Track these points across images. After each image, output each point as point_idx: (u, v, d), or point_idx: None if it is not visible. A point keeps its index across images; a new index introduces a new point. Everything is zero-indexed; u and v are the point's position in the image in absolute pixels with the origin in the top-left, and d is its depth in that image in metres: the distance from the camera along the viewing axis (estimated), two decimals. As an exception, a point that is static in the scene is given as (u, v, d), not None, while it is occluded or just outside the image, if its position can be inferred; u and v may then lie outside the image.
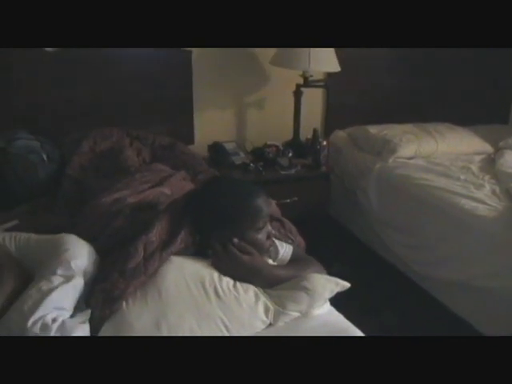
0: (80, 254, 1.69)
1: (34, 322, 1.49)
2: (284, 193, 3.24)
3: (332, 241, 2.55)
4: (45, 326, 1.49)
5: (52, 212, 2.36)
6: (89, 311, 1.62)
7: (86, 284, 1.69)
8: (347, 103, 3.92)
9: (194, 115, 3.56)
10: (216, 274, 1.75)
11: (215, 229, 1.82)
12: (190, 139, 3.50)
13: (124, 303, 1.63)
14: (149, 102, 3.37)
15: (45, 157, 2.66)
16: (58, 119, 3.16)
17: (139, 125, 3.14)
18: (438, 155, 3.50)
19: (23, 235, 1.92)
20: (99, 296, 1.63)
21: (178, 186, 2.23)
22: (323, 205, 3.48)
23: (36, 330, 1.48)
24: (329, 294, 1.84)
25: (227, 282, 1.74)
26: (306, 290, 1.77)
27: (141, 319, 1.59)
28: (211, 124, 3.65)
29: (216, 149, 3.45)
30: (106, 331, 1.59)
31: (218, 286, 1.72)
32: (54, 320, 1.51)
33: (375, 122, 3.77)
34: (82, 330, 1.56)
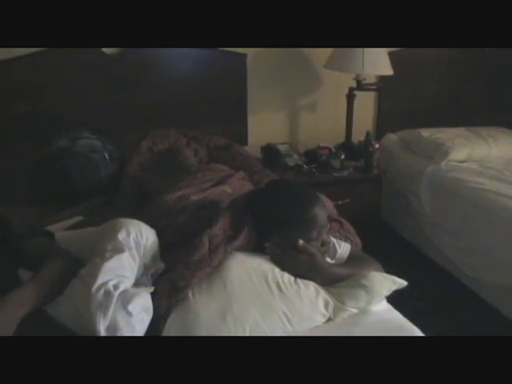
0: (133, 230, 1.75)
1: (97, 289, 1.56)
2: (336, 195, 3.25)
3: (383, 243, 2.56)
4: (107, 293, 1.56)
5: (113, 209, 2.45)
6: (152, 287, 1.69)
7: (145, 266, 1.75)
8: (399, 106, 3.94)
9: (248, 117, 3.62)
10: (277, 270, 1.81)
11: (272, 231, 1.88)
12: (243, 140, 3.56)
13: (190, 294, 1.69)
14: (204, 103, 3.45)
15: (107, 156, 2.74)
16: (116, 120, 3.27)
17: (194, 126, 3.21)
18: (491, 159, 3.49)
19: (82, 231, 2.02)
20: (165, 286, 1.70)
21: (238, 185, 2.29)
22: (375, 207, 3.49)
23: (100, 297, 1.55)
24: (387, 292, 1.88)
25: (288, 277, 1.81)
26: (364, 287, 1.82)
27: (207, 309, 1.65)
28: (264, 126, 3.71)
29: (269, 150, 3.50)
30: (173, 321, 1.65)
31: (280, 281, 1.78)
32: (115, 287, 1.58)
33: (427, 125, 3.76)
34: (143, 298, 1.63)
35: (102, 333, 1.53)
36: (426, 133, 3.65)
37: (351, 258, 2.03)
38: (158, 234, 1.85)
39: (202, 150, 2.89)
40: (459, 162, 3.44)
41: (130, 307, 1.57)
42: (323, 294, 1.80)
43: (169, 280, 1.72)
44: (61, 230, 2.11)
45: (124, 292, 1.60)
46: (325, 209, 1.94)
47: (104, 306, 1.54)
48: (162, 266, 1.78)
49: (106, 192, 2.63)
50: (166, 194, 2.15)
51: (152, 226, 1.88)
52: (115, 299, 1.56)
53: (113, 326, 1.54)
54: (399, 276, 1.95)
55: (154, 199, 2.22)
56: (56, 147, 2.67)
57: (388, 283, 1.88)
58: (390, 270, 2.02)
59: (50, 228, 2.13)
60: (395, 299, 1.95)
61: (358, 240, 2.18)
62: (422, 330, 1.83)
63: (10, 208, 2.37)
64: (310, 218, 1.86)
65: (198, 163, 2.73)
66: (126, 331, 1.55)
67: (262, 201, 1.93)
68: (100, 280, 1.59)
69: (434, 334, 1.76)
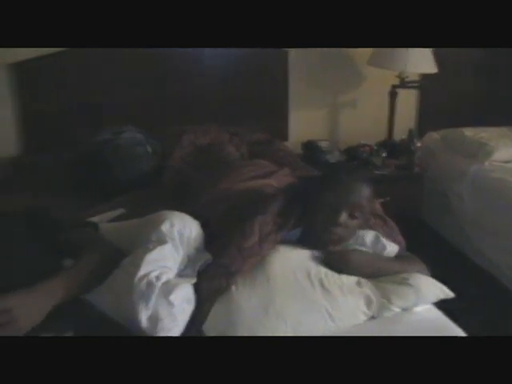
0: (177, 222, 1.77)
1: (140, 279, 1.59)
2: (376, 193, 3.24)
3: (422, 243, 2.53)
4: (150, 283, 1.58)
5: (155, 202, 2.47)
6: (194, 278, 1.71)
7: (189, 258, 1.77)
8: (441, 105, 3.89)
9: (289, 113, 3.62)
10: (321, 266, 1.81)
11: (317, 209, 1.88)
12: (283, 136, 3.56)
13: (233, 286, 1.70)
14: (245, 99, 3.46)
15: (149, 149, 2.77)
16: (156, 116, 3.30)
17: (235, 122, 3.21)
18: (536, 160, 3.42)
19: (125, 222, 2.04)
20: (218, 269, 1.72)
21: (283, 181, 2.29)
22: (415, 206, 3.46)
23: (142, 288, 1.57)
24: (433, 298, 1.87)
25: (332, 273, 1.80)
26: (412, 287, 1.81)
27: (250, 302, 1.66)
28: (305, 122, 3.70)
29: (310, 147, 3.49)
30: (216, 311, 1.67)
31: (323, 277, 1.78)
32: (157, 278, 1.60)
33: (469, 124, 3.70)
34: (185, 289, 1.64)
35: (144, 322, 1.55)
36: (469, 132, 3.59)
37: (398, 256, 2.03)
38: (203, 226, 1.87)
39: (244, 146, 2.89)
40: (504, 162, 3.37)
41: (172, 298, 1.59)
42: (367, 292, 1.79)
43: (221, 264, 1.73)
44: (103, 222, 2.15)
45: (166, 283, 1.62)
46: (367, 191, 1.95)
47: (146, 297, 1.56)
48: (209, 257, 1.79)
49: (149, 185, 2.65)
50: (210, 187, 2.17)
51: (196, 217, 1.89)
52: (157, 290, 1.58)
53: (154, 316, 1.56)
54: (437, 276, 1.95)
55: (197, 192, 2.22)
56: (100, 140, 2.71)
57: (436, 290, 1.88)
58: (429, 270, 2.01)
59: (94, 219, 2.16)
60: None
61: (401, 239, 2.16)
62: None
63: (54, 199, 2.41)
64: (351, 187, 1.89)
65: (240, 159, 2.73)
66: (167, 321, 1.57)
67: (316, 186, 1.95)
68: (143, 271, 1.61)
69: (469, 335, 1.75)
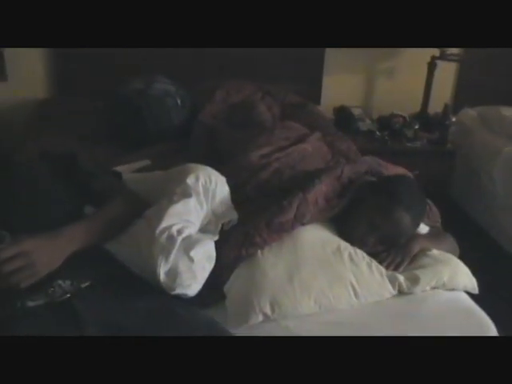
0: (202, 176, 1.73)
1: (161, 232, 1.56)
2: (406, 165, 3.17)
3: (448, 221, 2.47)
4: (171, 237, 1.55)
5: (182, 156, 2.43)
6: (217, 235, 1.68)
7: (214, 213, 1.73)
8: (480, 81, 3.76)
9: (323, 76, 3.54)
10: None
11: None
12: (316, 100, 3.49)
13: (259, 252, 1.67)
14: (280, 58, 3.36)
15: (179, 102, 2.72)
16: (189, 68, 3.22)
17: (268, 80, 3.13)
18: None
19: (151, 174, 2.01)
20: (240, 237, 1.68)
21: (316, 145, 2.24)
22: (445, 183, 3.39)
23: (163, 241, 1.54)
24: (460, 287, 1.82)
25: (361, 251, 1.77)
26: (442, 271, 1.77)
27: (275, 269, 1.62)
28: (339, 87, 3.61)
29: (342, 112, 3.43)
30: (239, 275, 1.64)
31: (352, 251, 1.73)
32: (179, 232, 1.57)
33: (508, 103, 3.58)
34: (207, 245, 1.61)
35: (162, 276, 1.52)
36: (506, 111, 3.48)
37: (432, 232, 2.01)
38: (238, 187, 1.84)
39: (276, 106, 2.83)
40: (540, 144, 3.28)
41: (192, 253, 1.56)
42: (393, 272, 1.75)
43: (245, 232, 1.70)
44: (128, 172, 2.12)
45: (187, 238, 1.59)
46: (412, 229, 1.89)
47: (166, 250, 1.53)
48: (235, 217, 1.75)
49: (177, 138, 2.62)
50: (247, 151, 2.12)
51: (233, 179, 1.86)
52: (178, 244, 1.55)
53: (173, 270, 1.53)
54: (462, 256, 1.93)
55: (229, 153, 2.19)
56: (131, 89, 2.66)
57: (465, 280, 1.83)
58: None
59: (119, 169, 2.13)
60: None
61: (439, 223, 2.12)
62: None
63: (79, 145, 2.38)
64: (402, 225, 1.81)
65: (272, 119, 2.67)
66: (186, 277, 1.54)
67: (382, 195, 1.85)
68: (164, 223, 1.58)
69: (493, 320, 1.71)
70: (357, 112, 3.43)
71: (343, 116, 3.40)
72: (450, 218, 3.18)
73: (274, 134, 2.29)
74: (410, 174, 2.18)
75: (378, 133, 3.29)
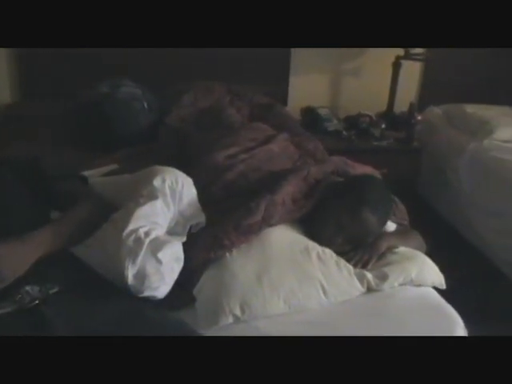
0: (169, 177, 1.72)
1: (128, 235, 1.55)
2: (374, 164, 3.19)
3: (417, 219, 2.50)
4: (138, 239, 1.54)
5: (150, 159, 2.41)
6: (184, 237, 1.68)
7: (182, 215, 1.73)
8: (445, 79, 3.80)
9: (290, 77, 3.55)
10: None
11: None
12: (283, 101, 3.49)
13: (227, 253, 1.67)
14: (246, 59, 3.36)
15: (146, 105, 2.72)
16: (155, 69, 3.20)
17: (234, 81, 3.14)
18: (537, 141, 3.36)
19: (117, 177, 2.00)
20: (208, 239, 1.68)
21: (283, 145, 2.24)
22: (412, 180, 3.43)
23: (130, 243, 1.53)
24: (428, 283, 1.84)
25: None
26: (410, 268, 1.79)
27: (244, 270, 1.62)
28: (306, 87, 3.63)
29: (309, 113, 3.44)
30: (208, 277, 1.63)
31: (320, 250, 1.74)
32: (146, 234, 1.56)
33: (473, 101, 3.64)
34: (174, 247, 1.60)
35: (130, 279, 1.51)
36: (470, 109, 3.54)
37: (399, 230, 2.03)
38: (204, 188, 1.84)
39: (245, 108, 2.83)
40: (503, 141, 3.31)
41: (160, 255, 1.55)
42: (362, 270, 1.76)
43: (213, 235, 1.69)
44: (96, 176, 2.10)
45: (155, 239, 1.58)
46: (380, 227, 1.91)
47: (134, 252, 1.52)
48: (202, 219, 1.75)
49: (145, 142, 2.61)
50: (213, 151, 2.12)
51: (198, 179, 1.86)
52: (145, 246, 1.54)
53: (141, 272, 1.52)
54: (430, 252, 1.96)
55: (196, 155, 2.19)
56: (97, 92, 2.64)
57: (433, 276, 1.86)
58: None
59: (86, 173, 2.11)
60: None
61: (407, 221, 2.14)
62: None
63: (46, 150, 2.36)
64: (366, 223, 1.83)
65: (241, 121, 2.67)
66: (154, 279, 1.53)
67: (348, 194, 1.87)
68: (131, 226, 1.57)
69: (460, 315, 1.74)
70: (324, 112, 3.44)
71: (310, 116, 3.42)
72: (418, 214, 3.22)
73: (241, 134, 2.29)
74: (377, 173, 2.19)
75: (344, 132, 3.31)
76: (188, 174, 1.82)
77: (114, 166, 2.31)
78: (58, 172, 1.98)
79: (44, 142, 2.52)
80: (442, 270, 1.93)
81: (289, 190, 1.84)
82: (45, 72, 3.07)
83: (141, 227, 1.57)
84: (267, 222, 1.74)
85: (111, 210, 1.70)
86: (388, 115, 3.59)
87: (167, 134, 2.57)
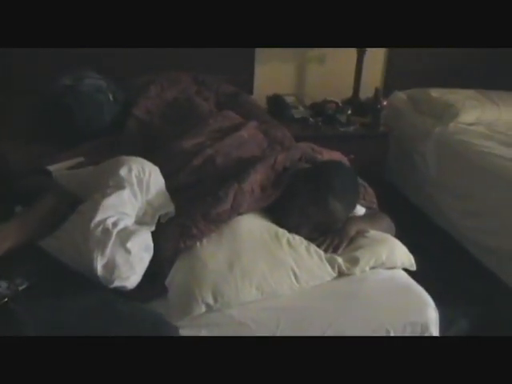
0: (135, 167, 1.72)
1: (96, 226, 1.54)
2: (341, 150, 3.20)
3: (385, 202, 2.51)
4: (106, 230, 1.54)
5: (115, 151, 2.38)
6: (153, 226, 1.67)
7: (150, 204, 1.72)
8: (409, 64, 3.82)
9: (255, 66, 3.54)
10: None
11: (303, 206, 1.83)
12: (249, 89, 3.48)
13: (198, 242, 1.66)
14: (211, 49, 3.32)
15: (111, 97, 2.67)
16: (121, 59, 3.15)
17: (199, 71, 3.11)
18: (500, 123, 3.40)
19: (82, 170, 1.98)
20: (176, 229, 1.66)
21: (252, 133, 2.23)
22: (379, 165, 3.45)
23: (98, 234, 1.53)
24: (398, 265, 1.85)
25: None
26: (380, 251, 1.80)
27: (215, 258, 1.61)
28: (271, 76, 3.62)
29: (275, 101, 3.43)
30: (180, 267, 1.62)
31: (290, 236, 1.74)
32: (114, 224, 1.56)
33: (437, 85, 3.67)
34: (143, 236, 1.60)
35: (100, 270, 1.50)
36: (435, 93, 3.57)
37: (367, 214, 2.03)
38: (172, 175, 1.83)
39: (211, 97, 2.81)
40: (468, 124, 3.36)
41: (129, 245, 1.55)
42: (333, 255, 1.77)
43: (181, 224, 1.68)
44: (61, 170, 2.07)
45: (123, 230, 1.58)
46: (346, 212, 1.91)
47: (102, 243, 1.52)
48: (171, 208, 1.74)
49: (110, 133, 2.57)
50: (180, 140, 2.10)
51: (165, 167, 1.85)
52: (113, 236, 1.54)
53: (111, 263, 1.52)
54: (399, 235, 1.98)
55: (165, 144, 2.16)
56: (60, 85, 2.60)
57: (403, 258, 1.87)
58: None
59: (50, 167, 2.09)
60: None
61: (376, 204, 2.15)
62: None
63: (11, 145, 2.32)
64: (331, 211, 1.83)
65: (208, 110, 2.64)
66: (124, 270, 1.53)
67: (322, 177, 1.87)
68: (99, 216, 1.57)
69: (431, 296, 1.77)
70: (290, 100, 3.44)
71: (276, 104, 3.41)
72: (386, 198, 3.25)
73: (209, 123, 2.27)
74: (344, 159, 2.20)
75: (311, 119, 3.31)
76: (154, 162, 1.82)
77: (80, 160, 2.28)
78: (22, 168, 1.95)
79: (8, 138, 2.46)
80: (411, 251, 1.94)
81: (257, 178, 1.83)
82: (11, 65, 3.01)
83: (108, 218, 1.57)
84: (236, 210, 1.73)
85: (78, 203, 1.69)
86: (354, 101, 3.60)
87: (133, 126, 2.53)
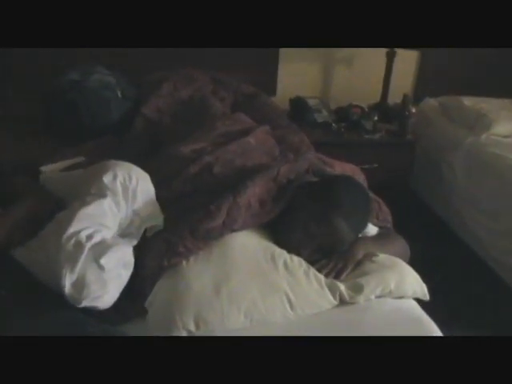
0: (121, 173, 1.59)
1: (68, 238, 1.41)
2: (364, 158, 3.06)
3: (409, 215, 2.36)
4: (78, 244, 1.41)
5: (120, 151, 2.26)
6: (135, 240, 1.54)
7: (136, 214, 1.59)
8: (442, 69, 3.67)
9: (279, 66, 3.41)
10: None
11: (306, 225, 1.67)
12: (271, 90, 3.34)
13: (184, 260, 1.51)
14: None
15: (119, 94, 2.56)
16: (137, 55, 3.04)
17: (221, 69, 2.98)
18: (537, 137, 3.21)
19: (72, 172, 1.87)
20: (161, 245, 1.52)
21: (261, 138, 2.08)
22: (405, 175, 3.29)
23: (69, 248, 1.40)
24: (409, 294, 1.68)
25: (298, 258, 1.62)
26: (389, 279, 1.63)
27: (200, 279, 1.47)
28: (295, 77, 3.48)
29: (298, 104, 3.30)
30: (161, 287, 1.49)
31: (288, 258, 1.58)
32: (88, 237, 1.43)
33: (471, 93, 3.48)
34: (121, 251, 1.46)
35: (68, 288, 1.37)
36: (468, 101, 3.39)
37: (380, 234, 1.87)
38: (164, 183, 1.69)
39: (228, 97, 2.67)
40: (502, 136, 3.18)
41: (103, 261, 1.41)
42: (334, 281, 1.60)
43: (167, 240, 1.54)
44: (58, 170, 1.96)
45: (99, 243, 1.44)
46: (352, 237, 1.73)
47: (73, 258, 1.39)
48: (160, 220, 1.60)
49: (116, 132, 2.45)
50: (179, 145, 1.96)
51: (158, 173, 1.73)
52: (86, 251, 1.40)
53: (80, 281, 1.38)
54: (421, 248, 1.85)
55: (165, 147, 2.03)
56: (66, 80, 2.50)
57: (416, 287, 1.70)
58: (413, 242, 1.88)
59: (48, 167, 1.98)
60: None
61: (391, 224, 1.97)
62: (437, 309, 1.68)
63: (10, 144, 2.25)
64: (337, 232, 1.66)
65: (223, 112, 2.50)
66: (94, 288, 1.39)
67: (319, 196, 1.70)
68: (73, 228, 1.44)
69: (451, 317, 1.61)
70: (313, 103, 3.30)
71: (299, 107, 3.28)
72: (410, 209, 3.09)
73: (216, 127, 2.11)
74: (358, 172, 2.03)
75: (334, 125, 3.17)
76: (149, 166, 1.69)
77: (79, 159, 2.17)
78: (13, 166, 1.85)
79: (6, 134, 2.37)
80: (431, 265, 1.78)
81: (255, 191, 1.66)
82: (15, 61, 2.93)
83: (83, 229, 1.43)
84: (229, 226, 1.57)
85: (60, 208, 1.56)
86: (381, 107, 3.44)
87: (141, 125, 2.40)
